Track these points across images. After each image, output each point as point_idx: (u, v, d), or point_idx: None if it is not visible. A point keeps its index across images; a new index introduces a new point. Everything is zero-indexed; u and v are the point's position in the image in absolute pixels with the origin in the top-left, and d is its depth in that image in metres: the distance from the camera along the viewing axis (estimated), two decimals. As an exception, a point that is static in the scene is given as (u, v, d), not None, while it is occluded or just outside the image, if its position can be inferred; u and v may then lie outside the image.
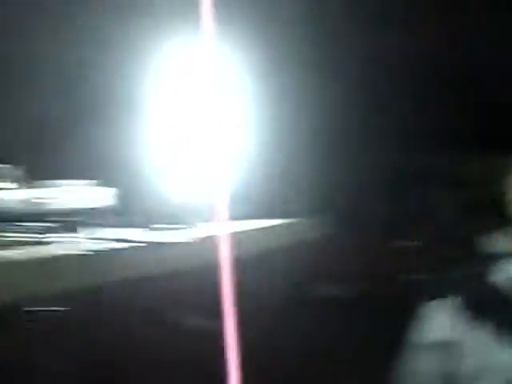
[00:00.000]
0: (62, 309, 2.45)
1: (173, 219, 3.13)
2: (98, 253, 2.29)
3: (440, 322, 1.34)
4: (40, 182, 3.09)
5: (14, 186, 2.93)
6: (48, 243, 2.40)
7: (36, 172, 3.05)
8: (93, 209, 2.96)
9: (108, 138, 3.73)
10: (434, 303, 1.35)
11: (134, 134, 3.58)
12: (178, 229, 2.91)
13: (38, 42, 4.00)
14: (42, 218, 2.75)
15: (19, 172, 2.98)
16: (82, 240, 2.52)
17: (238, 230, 2.94)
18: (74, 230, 2.71)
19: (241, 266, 1.61)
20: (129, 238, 2.70)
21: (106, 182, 3.10)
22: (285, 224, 4.20)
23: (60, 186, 3.09)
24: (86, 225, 2.80)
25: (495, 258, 1.32)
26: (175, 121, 3.53)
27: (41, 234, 2.57)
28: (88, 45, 3.91)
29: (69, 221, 2.76)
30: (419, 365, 1.37)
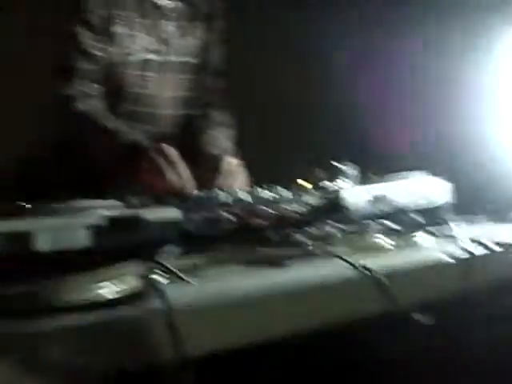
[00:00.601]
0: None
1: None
2: (461, 256, 1.13)
3: None
4: (376, 177, 1.83)
5: (353, 184, 1.72)
6: (410, 245, 1.34)
7: (367, 167, 1.80)
8: (436, 204, 1.70)
9: (441, 125, 2.18)
10: None
11: (468, 120, 2.25)
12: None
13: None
14: (389, 217, 1.57)
15: (354, 169, 1.73)
16: (440, 241, 1.43)
17: None
18: (424, 228, 1.61)
19: None
20: (483, 240, 1.43)
21: (442, 173, 1.80)
22: None
23: (398, 179, 1.79)
24: (433, 222, 1.58)
25: None
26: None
27: (400, 234, 1.53)
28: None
29: (417, 219, 1.64)
30: None
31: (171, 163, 1.69)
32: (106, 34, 1.92)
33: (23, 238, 1.06)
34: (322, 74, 2.92)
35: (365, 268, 1.06)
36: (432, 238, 1.40)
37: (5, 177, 2.01)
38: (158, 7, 1.98)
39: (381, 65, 2.81)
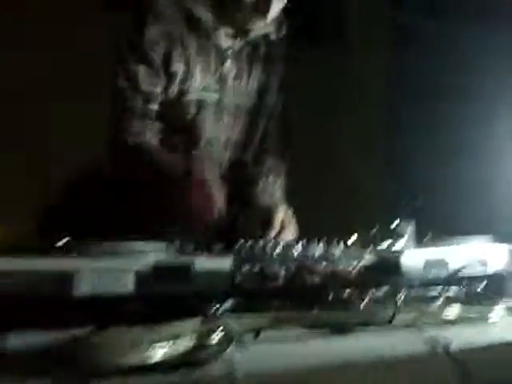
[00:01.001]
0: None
1: None
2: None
3: None
4: (433, 239, 1.66)
5: (411, 245, 1.56)
6: (475, 316, 1.16)
7: (426, 229, 1.63)
8: (497, 271, 1.52)
9: (504, 188, 2.00)
10: None
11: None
12: None
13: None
14: (447, 283, 1.39)
15: (412, 230, 1.57)
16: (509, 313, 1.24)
17: None
18: (489, 298, 1.42)
19: None
20: None
21: (503, 238, 1.61)
22: None
23: (457, 243, 1.62)
24: (497, 292, 1.38)
25: None
26: None
27: (464, 303, 1.33)
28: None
29: (478, 287, 1.44)
30: None
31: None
32: (164, 71, 1.87)
33: (63, 279, 0.98)
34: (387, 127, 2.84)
35: (437, 341, 0.96)
36: (500, 309, 1.29)
37: (48, 212, 1.95)
38: (218, 47, 1.92)
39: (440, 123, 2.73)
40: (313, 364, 0.82)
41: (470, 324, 1.15)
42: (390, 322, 1.07)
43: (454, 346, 0.95)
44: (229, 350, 0.80)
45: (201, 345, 0.83)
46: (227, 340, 0.86)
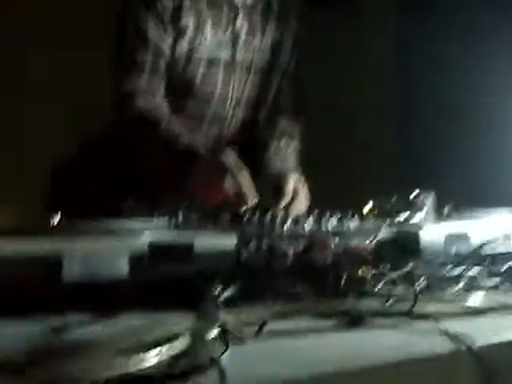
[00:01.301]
0: None
1: None
2: None
3: None
4: (456, 211, 1.55)
5: (431, 219, 1.44)
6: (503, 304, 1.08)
7: (446, 198, 1.50)
8: None
9: None
10: None
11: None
12: None
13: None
14: (468, 261, 1.28)
15: (431, 200, 1.45)
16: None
17: None
18: None
19: None
20: None
21: None
22: None
23: (481, 216, 1.50)
24: None
25: None
26: None
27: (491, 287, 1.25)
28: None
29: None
30: None
31: (231, 171, 1.51)
32: (173, 26, 1.76)
33: (49, 262, 0.89)
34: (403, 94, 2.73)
35: (458, 336, 0.87)
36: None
37: (39, 183, 1.87)
38: (230, 1, 1.81)
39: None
40: (316, 362, 0.74)
41: (494, 314, 1.06)
42: (409, 313, 0.98)
43: (478, 341, 0.86)
44: (224, 353, 0.72)
45: (195, 345, 0.74)
46: (225, 338, 0.77)
